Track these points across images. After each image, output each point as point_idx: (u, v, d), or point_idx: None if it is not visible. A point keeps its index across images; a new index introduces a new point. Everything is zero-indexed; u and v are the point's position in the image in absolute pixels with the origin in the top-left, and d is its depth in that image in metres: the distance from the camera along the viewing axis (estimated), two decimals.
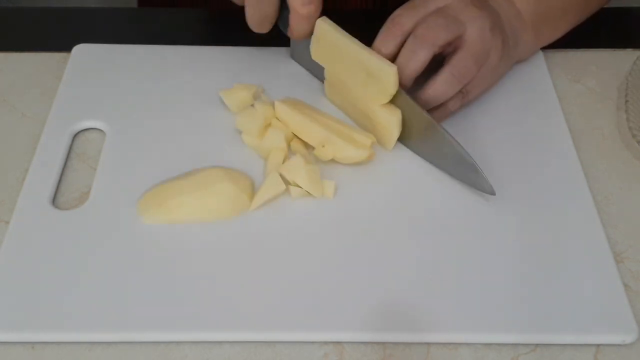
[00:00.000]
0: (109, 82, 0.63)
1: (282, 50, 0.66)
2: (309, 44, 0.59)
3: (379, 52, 0.55)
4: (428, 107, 0.56)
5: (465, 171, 0.54)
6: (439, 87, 0.55)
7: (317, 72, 0.62)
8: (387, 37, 0.55)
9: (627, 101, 0.61)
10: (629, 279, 0.51)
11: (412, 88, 0.56)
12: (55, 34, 0.69)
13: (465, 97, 0.58)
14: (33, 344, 0.47)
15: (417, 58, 0.54)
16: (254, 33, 0.59)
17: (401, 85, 0.54)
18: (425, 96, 0.55)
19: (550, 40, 0.64)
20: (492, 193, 0.53)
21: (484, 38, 0.55)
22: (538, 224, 0.53)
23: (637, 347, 0.47)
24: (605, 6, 0.69)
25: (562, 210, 0.54)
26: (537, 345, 0.47)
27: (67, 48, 0.66)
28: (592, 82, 0.65)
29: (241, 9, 0.58)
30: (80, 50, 0.65)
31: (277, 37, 0.61)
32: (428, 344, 0.47)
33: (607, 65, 0.66)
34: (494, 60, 0.57)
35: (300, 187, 0.54)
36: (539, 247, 0.52)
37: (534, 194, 0.55)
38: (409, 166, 0.57)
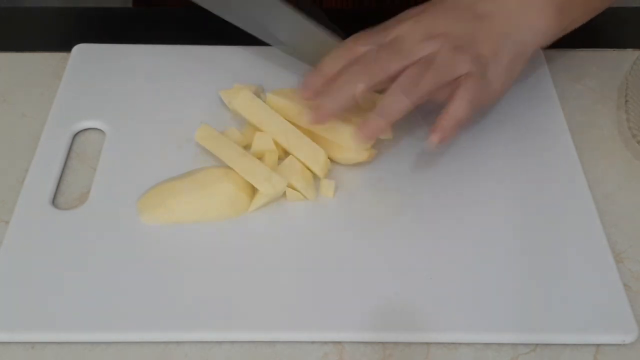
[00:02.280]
0: (109, 82, 0.63)
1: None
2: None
3: (321, 70, 0.54)
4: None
5: None
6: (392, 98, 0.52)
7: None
8: (335, 58, 0.54)
9: (627, 101, 0.61)
10: (629, 279, 0.51)
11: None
12: (55, 34, 0.69)
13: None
14: (33, 344, 0.47)
15: (359, 80, 0.52)
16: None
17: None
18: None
19: (577, 24, 0.58)
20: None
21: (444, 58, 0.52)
22: (538, 224, 0.53)
23: (637, 347, 0.47)
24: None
25: (562, 210, 0.54)
26: (537, 345, 0.47)
27: (67, 48, 0.66)
28: (592, 82, 0.65)
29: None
30: (80, 50, 0.65)
31: None
32: (428, 344, 0.47)
33: (607, 65, 0.66)
34: (516, 62, 0.55)
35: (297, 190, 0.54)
36: (539, 247, 0.52)
37: (533, 194, 0.55)
38: (409, 167, 0.57)
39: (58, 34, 0.69)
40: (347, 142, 0.54)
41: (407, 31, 0.54)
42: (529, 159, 0.57)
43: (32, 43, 0.68)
